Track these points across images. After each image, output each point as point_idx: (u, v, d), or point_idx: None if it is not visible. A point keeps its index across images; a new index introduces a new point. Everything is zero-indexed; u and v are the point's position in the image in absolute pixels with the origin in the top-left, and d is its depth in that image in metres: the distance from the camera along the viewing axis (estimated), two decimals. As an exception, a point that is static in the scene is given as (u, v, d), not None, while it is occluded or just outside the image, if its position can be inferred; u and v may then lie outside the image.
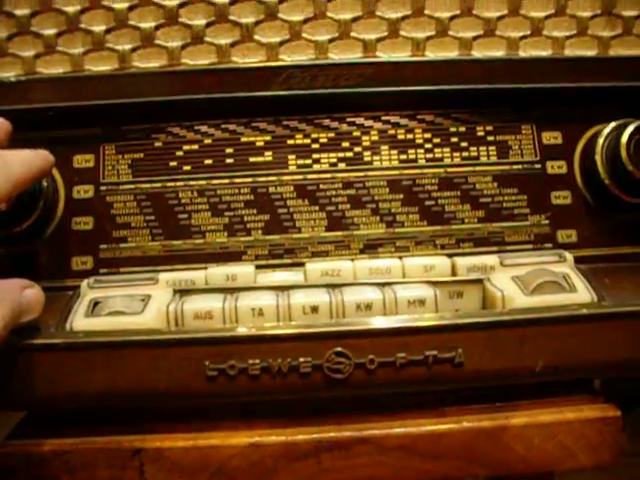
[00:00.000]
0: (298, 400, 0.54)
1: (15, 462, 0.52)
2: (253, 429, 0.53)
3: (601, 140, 0.58)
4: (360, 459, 0.53)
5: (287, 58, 0.59)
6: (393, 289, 0.53)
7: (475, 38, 0.59)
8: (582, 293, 0.53)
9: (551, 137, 0.61)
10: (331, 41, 0.59)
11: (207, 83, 0.58)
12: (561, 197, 0.59)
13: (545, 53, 0.60)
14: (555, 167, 0.60)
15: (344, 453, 0.53)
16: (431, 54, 0.60)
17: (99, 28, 0.57)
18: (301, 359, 0.50)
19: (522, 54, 0.60)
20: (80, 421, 0.54)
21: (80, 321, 0.52)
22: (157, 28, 0.58)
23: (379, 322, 0.51)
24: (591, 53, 0.60)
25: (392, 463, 0.53)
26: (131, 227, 0.58)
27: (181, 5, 0.57)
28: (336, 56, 0.59)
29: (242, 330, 0.51)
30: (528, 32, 0.60)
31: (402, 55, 0.59)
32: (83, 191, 0.59)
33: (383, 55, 0.59)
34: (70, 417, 0.54)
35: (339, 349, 0.50)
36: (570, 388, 0.56)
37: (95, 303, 0.53)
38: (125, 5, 0.57)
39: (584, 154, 0.60)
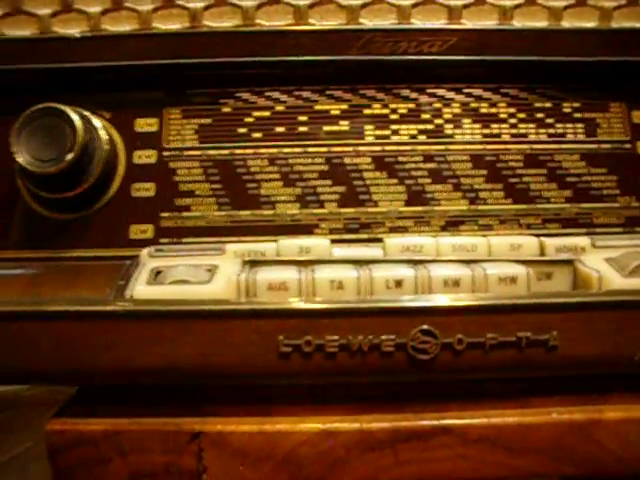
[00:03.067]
0: (374, 384, 0.51)
1: (63, 442, 0.49)
2: (324, 415, 0.50)
3: None
4: (440, 451, 0.49)
5: (368, 22, 0.57)
6: (481, 266, 0.50)
7: (566, 7, 0.58)
8: None
9: None
10: (415, 6, 0.57)
11: (282, 45, 0.57)
12: None
13: None
14: None
15: (423, 444, 0.49)
16: (518, 23, 0.58)
17: None
18: (383, 337, 0.48)
19: (615, 25, 0.58)
20: (135, 399, 0.51)
21: (142, 289, 0.49)
22: None
23: (468, 299, 0.48)
24: None
25: (474, 456, 0.49)
26: (195, 195, 0.56)
27: (257, -39, 0.56)
28: (419, 22, 0.57)
29: (320, 303, 0.48)
30: (623, 1, 0.57)
31: (488, 23, 0.58)
32: (145, 156, 0.57)
33: (468, 22, 0.58)
34: (124, 395, 0.52)
35: (425, 327, 0.47)
36: None
37: (157, 272, 0.51)
38: (200, -39, 0.55)
39: None
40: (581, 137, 0.58)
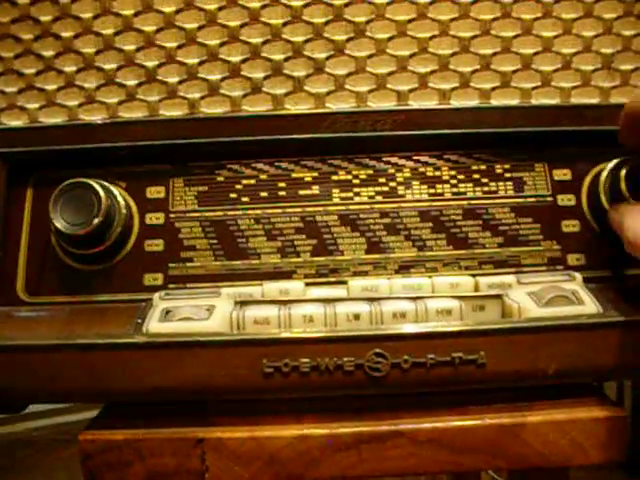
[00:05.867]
0: (341, 397, 0.60)
1: (92, 449, 0.58)
2: (301, 423, 0.59)
3: (604, 175, 0.64)
4: (395, 451, 0.58)
5: (332, 106, 0.66)
6: (424, 301, 0.60)
7: (493, 89, 0.66)
8: (589, 306, 0.59)
9: (561, 174, 0.67)
10: (370, 92, 0.66)
11: (263, 127, 0.65)
12: (570, 225, 0.65)
13: (554, 101, 0.66)
14: (565, 200, 0.66)
15: (381, 445, 0.58)
16: (455, 102, 0.66)
17: (173, 79, 0.65)
18: (345, 359, 0.57)
19: (534, 102, 0.66)
20: (150, 413, 0.60)
21: (155, 325, 0.58)
22: (222, 80, 0.65)
23: (412, 328, 0.58)
24: (594, 101, 0.67)
25: (423, 455, 0.58)
26: (196, 249, 0.65)
27: (243, 61, 0.65)
28: (374, 104, 0.66)
29: (295, 333, 0.58)
30: (539, 83, 0.66)
31: (430, 103, 0.66)
32: (155, 218, 0.65)
33: (414, 103, 0.66)
34: (142, 410, 0.60)
35: (378, 350, 0.57)
36: (581, 391, 0.61)
37: (167, 311, 0.59)
38: (196, 60, 0.65)
39: (590, 188, 0.66)
40: (510, 193, 0.66)
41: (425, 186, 0.67)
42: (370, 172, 0.67)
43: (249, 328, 0.59)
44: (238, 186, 0.67)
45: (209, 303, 0.61)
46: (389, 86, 0.67)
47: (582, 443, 0.59)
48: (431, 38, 0.66)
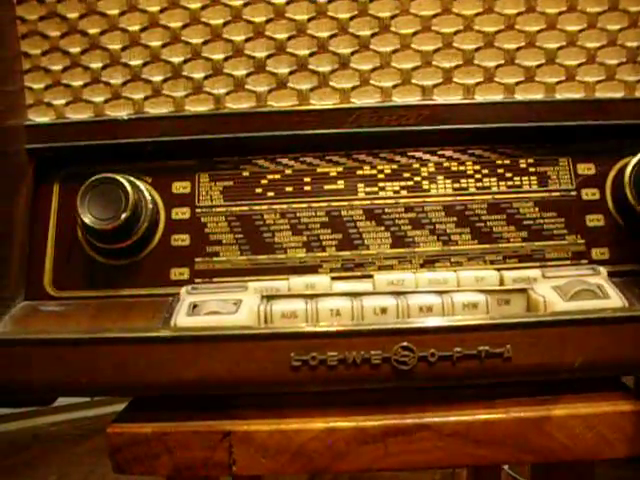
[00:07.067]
0: (367, 391, 0.60)
1: (120, 442, 0.59)
2: (328, 416, 0.59)
3: (629, 169, 0.64)
4: (421, 444, 0.58)
5: (357, 101, 0.66)
6: (450, 295, 0.60)
7: (518, 83, 0.66)
8: (614, 300, 0.59)
9: (585, 168, 0.67)
10: (395, 87, 0.66)
11: (289, 122, 0.66)
12: (595, 220, 0.65)
13: (578, 95, 0.66)
14: (589, 194, 0.66)
15: (407, 438, 0.58)
16: (480, 97, 0.66)
17: (198, 75, 0.66)
18: (372, 352, 0.57)
19: (558, 97, 0.66)
20: (178, 406, 0.60)
21: (183, 319, 0.59)
22: (248, 75, 0.66)
23: (439, 321, 0.58)
24: (619, 95, 0.67)
25: (449, 448, 0.58)
26: (222, 243, 0.65)
27: (268, 56, 0.66)
28: (399, 99, 0.66)
29: (323, 327, 0.58)
30: (563, 78, 0.66)
31: (455, 98, 0.66)
32: (181, 213, 0.66)
33: (439, 98, 0.66)
34: (170, 403, 0.61)
35: (405, 344, 0.57)
36: (606, 385, 0.61)
37: (194, 305, 0.60)
38: (221, 56, 0.66)
39: (615, 182, 0.66)
40: (535, 187, 0.66)
41: (449, 180, 0.67)
42: (395, 167, 0.68)
43: (277, 322, 0.59)
44: (263, 181, 0.67)
45: (236, 297, 0.61)
46: (414, 81, 0.67)
47: (608, 436, 0.59)
48: (455, 33, 0.67)
